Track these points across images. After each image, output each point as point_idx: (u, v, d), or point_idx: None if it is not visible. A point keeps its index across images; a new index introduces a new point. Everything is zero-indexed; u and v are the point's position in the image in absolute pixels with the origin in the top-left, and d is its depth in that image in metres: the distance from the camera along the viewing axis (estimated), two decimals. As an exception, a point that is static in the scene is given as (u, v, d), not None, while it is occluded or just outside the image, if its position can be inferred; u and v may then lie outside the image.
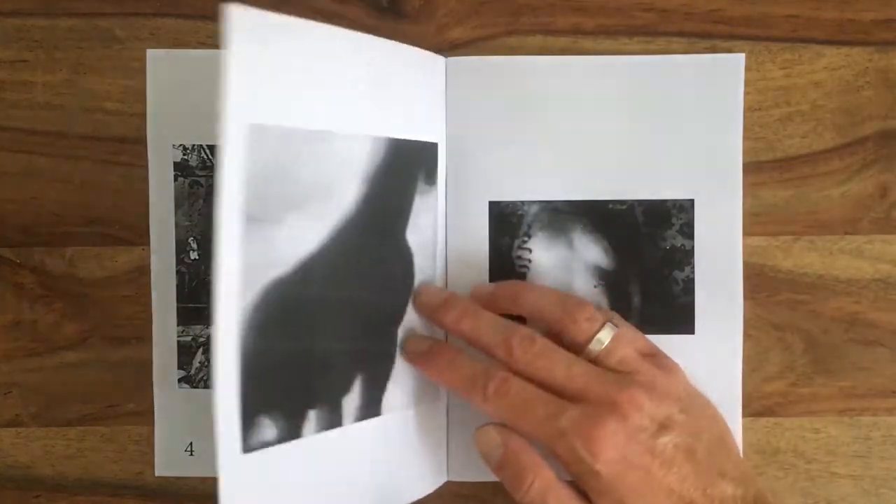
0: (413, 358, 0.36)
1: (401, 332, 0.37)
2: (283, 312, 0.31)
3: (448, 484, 0.39)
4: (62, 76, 0.39)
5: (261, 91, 0.30)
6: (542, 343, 0.33)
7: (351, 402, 0.34)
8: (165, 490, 0.39)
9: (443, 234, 0.39)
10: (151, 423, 0.39)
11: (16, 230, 0.39)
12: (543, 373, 0.33)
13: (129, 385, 0.39)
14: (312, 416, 0.33)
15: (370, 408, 0.35)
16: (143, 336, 0.39)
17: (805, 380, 0.39)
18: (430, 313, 0.36)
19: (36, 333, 0.39)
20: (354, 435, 0.34)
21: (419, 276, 0.37)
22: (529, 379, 0.33)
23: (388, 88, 0.34)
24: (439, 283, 0.39)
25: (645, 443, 0.32)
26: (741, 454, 0.37)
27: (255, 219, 0.30)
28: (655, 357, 0.35)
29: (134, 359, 0.39)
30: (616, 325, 0.34)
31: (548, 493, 0.32)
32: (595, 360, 0.34)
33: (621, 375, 0.33)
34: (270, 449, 0.31)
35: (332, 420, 0.34)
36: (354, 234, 0.34)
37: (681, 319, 0.39)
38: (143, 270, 0.39)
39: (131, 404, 0.39)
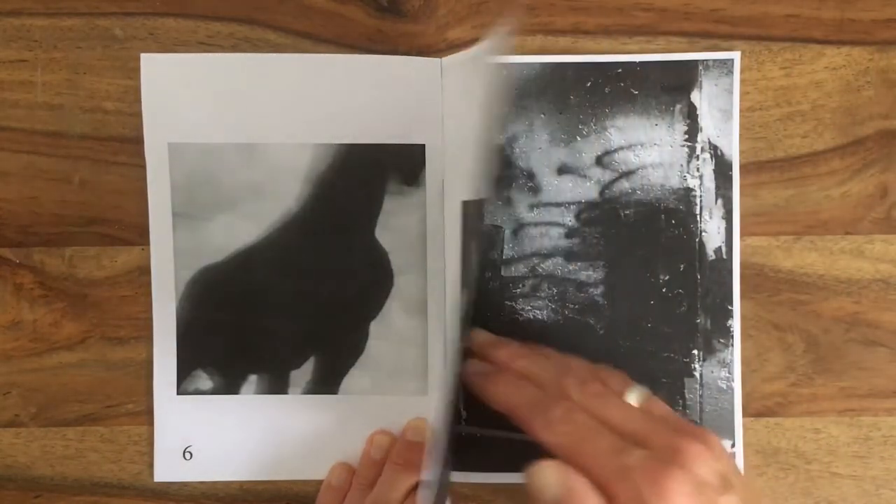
0: (474, 378, 0.34)
1: (374, 327, 0.38)
2: (220, 291, 0.38)
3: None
4: (62, 76, 0.39)
5: (176, 116, 0.38)
6: (596, 385, 0.32)
7: (300, 375, 0.39)
8: (164, 490, 0.39)
9: (439, 234, 0.39)
10: (150, 423, 0.39)
11: (15, 230, 0.39)
12: (598, 413, 0.31)
13: (128, 385, 0.39)
14: (253, 379, 0.39)
15: (325, 385, 0.39)
16: (143, 336, 0.39)
17: (805, 380, 0.39)
18: (482, 351, 0.36)
19: (35, 333, 0.39)
20: (300, 405, 0.39)
21: (401, 276, 0.39)
22: None
23: (344, 99, 0.38)
24: (433, 280, 0.39)
25: (710, 498, 0.29)
26: None
27: (183, 215, 0.38)
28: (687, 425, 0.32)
29: (133, 359, 0.39)
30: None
31: None
32: None
33: (677, 426, 0.31)
34: (206, 397, 0.39)
35: (276, 387, 0.39)
36: (301, 231, 0.38)
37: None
38: (143, 270, 0.39)
39: (130, 404, 0.39)
